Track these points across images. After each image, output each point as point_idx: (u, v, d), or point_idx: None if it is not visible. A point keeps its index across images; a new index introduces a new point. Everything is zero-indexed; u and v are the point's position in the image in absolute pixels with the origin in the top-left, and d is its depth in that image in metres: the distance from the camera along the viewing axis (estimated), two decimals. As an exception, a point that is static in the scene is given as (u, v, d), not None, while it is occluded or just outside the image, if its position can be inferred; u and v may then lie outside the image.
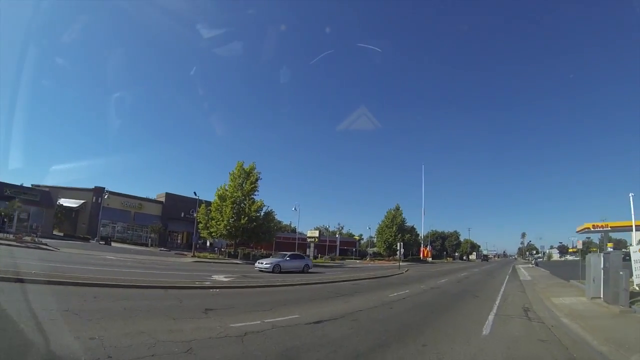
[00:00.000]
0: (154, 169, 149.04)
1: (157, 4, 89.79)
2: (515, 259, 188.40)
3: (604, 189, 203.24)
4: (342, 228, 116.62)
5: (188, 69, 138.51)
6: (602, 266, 13.97)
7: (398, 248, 48.12)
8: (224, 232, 45.18)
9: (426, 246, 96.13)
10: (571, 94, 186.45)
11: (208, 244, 62.27)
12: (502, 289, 21.43)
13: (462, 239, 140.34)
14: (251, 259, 47.51)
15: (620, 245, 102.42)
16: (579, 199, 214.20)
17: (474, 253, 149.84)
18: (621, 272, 12.02)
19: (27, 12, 46.42)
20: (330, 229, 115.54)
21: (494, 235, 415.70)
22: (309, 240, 64.66)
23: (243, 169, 47.99)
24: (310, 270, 30.89)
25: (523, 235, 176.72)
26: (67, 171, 78.30)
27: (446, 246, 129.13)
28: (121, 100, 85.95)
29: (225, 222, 44.46)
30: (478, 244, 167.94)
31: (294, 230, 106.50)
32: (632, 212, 31.42)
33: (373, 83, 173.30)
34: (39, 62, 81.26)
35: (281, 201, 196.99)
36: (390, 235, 73.34)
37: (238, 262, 43.32)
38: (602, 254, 14.56)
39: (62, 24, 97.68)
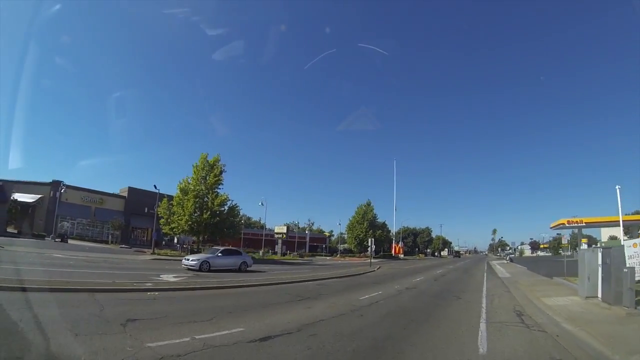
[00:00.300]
0: (120, 163, 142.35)
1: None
2: (486, 255, 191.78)
3: (576, 185, 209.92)
4: (313, 224, 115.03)
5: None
6: (599, 263, 12.60)
7: (369, 244, 46.63)
8: (186, 227, 42.49)
9: (398, 243, 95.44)
10: (546, 93, 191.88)
11: (175, 240, 59.14)
12: (485, 288, 19.92)
13: (433, 235, 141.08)
14: (215, 256, 45.22)
15: (591, 241, 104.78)
16: (549, 196, 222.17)
17: (446, 249, 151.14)
18: (625, 270, 10.62)
19: (28, 11, 44.26)
20: (301, 225, 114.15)
21: (464, 232, 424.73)
22: (276, 236, 62.56)
23: (207, 161, 45.40)
24: (249, 269, 26.59)
25: (494, 231, 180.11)
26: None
27: (418, 243, 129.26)
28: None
29: (186, 217, 41.79)
30: (449, 240, 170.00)
31: (262, 227, 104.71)
32: (620, 206, 30.66)
33: (356, 81, 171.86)
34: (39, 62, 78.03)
35: (252, 198, 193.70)
36: (361, 232, 71.98)
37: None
38: (599, 250, 13.20)
39: (64, 23, 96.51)
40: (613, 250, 12.11)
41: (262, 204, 59.12)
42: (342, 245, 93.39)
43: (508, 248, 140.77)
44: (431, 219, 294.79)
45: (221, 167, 45.16)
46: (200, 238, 46.47)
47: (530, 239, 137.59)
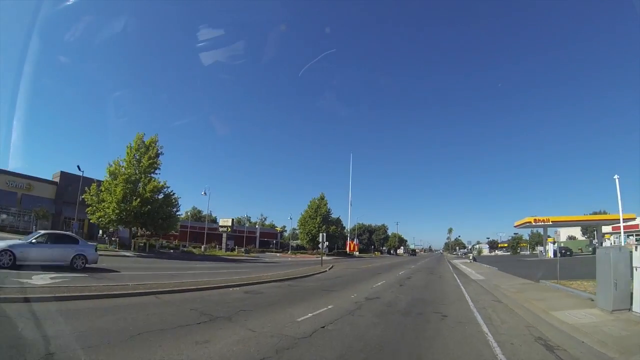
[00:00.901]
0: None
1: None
2: (442, 253, 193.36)
3: (534, 186, 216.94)
4: (265, 219, 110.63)
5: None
6: (636, 265, 9.42)
7: (321, 240, 42.92)
8: (113, 216, 36.79)
9: (353, 240, 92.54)
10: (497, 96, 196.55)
11: (101, 232, 52.30)
12: (468, 298, 15.43)
13: (390, 233, 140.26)
14: (148, 250, 39.85)
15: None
16: (507, 197, 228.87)
17: (402, 247, 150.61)
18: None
19: (29, 9, 43.65)
20: (253, 220, 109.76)
21: (420, 230, 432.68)
22: (221, 229, 57.54)
23: (142, 141, 39.82)
24: (91, 265, 18.10)
25: (449, 230, 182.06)
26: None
27: (374, 240, 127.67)
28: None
29: (114, 204, 36.11)
30: (405, 238, 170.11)
31: (214, 220, 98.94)
32: (619, 199, 28.58)
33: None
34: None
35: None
36: (314, 227, 68.04)
37: (128, 254, 35.56)
38: (633, 249, 9.72)
39: (64, 22, 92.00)
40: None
41: (204, 193, 53.64)
42: (295, 241, 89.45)
43: (469, 247, 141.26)
44: (387, 216, 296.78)
45: (158, 149, 39.76)
46: (137, 230, 40.99)
47: (487, 238, 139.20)
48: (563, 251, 50.06)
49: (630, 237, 65.64)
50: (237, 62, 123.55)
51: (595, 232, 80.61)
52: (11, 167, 45.69)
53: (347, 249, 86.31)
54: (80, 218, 55.00)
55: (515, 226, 57.64)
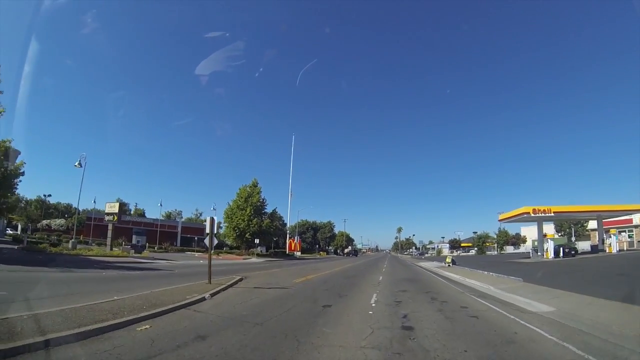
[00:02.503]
0: None
1: None
2: (388, 253, 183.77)
3: (489, 186, 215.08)
4: (201, 214, 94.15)
5: None
6: None
7: (248, 236, 27.76)
8: None
9: (293, 237, 77.85)
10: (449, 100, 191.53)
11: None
12: None
13: (336, 231, 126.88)
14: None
15: (516, 239, 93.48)
16: (458, 196, 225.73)
17: (349, 247, 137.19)
18: None
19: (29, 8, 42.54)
20: (187, 215, 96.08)
21: (366, 229, 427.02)
22: (106, 218, 40.59)
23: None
24: None
25: (399, 229, 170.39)
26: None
27: (319, 239, 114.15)
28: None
29: None
30: (353, 237, 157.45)
31: (142, 214, 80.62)
32: None
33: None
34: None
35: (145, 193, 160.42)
36: (242, 220, 52.63)
37: None
38: None
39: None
40: None
41: (78, 164, 36.32)
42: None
43: (421, 247, 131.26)
44: (334, 214, 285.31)
45: None
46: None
47: (442, 237, 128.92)
48: (567, 250, 38.84)
49: (623, 233, 57.00)
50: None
51: (571, 230, 72.03)
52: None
53: (288, 249, 71.56)
54: None
55: (501, 220, 45.83)
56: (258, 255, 54.52)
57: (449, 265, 33.34)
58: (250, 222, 50.79)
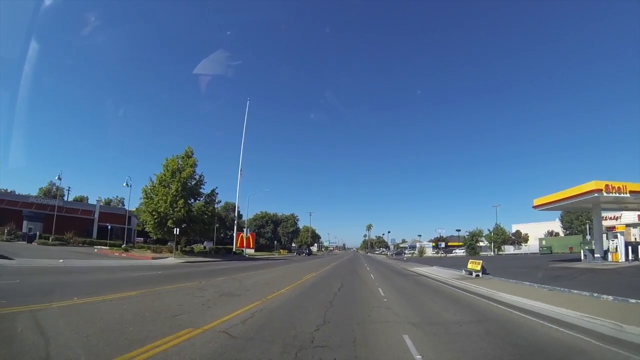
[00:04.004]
0: None
1: None
2: (356, 251, 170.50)
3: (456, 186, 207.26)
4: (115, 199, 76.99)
5: None
6: None
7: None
8: None
9: (242, 230, 62.25)
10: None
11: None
12: None
13: (301, 225, 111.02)
14: None
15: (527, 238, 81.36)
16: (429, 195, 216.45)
17: (316, 244, 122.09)
18: None
19: (29, 8, 41.20)
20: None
21: (334, 227, 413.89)
22: None
23: None
24: None
25: (369, 227, 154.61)
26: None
27: (280, 234, 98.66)
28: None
29: None
30: (319, 234, 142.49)
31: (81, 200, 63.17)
32: None
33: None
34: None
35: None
36: (164, 201, 36.38)
37: None
38: None
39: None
40: None
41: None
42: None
43: (393, 245, 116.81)
44: (298, 208, 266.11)
45: None
46: None
47: (419, 235, 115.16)
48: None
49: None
50: None
51: (586, 226, 60.32)
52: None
53: (236, 245, 56.02)
54: None
55: (539, 205, 31.94)
56: (185, 252, 39.33)
57: (476, 276, 19.71)
58: (174, 205, 35.58)
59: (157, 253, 35.94)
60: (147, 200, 37.43)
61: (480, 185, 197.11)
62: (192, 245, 45.57)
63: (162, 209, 35.59)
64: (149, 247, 41.37)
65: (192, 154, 40.37)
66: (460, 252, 78.03)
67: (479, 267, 20.89)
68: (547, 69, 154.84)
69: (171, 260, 30.81)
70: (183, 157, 39.74)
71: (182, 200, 36.18)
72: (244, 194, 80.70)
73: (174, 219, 35.57)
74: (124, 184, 40.62)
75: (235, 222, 54.26)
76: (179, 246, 39.76)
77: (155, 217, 36.10)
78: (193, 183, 40.15)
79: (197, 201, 39.68)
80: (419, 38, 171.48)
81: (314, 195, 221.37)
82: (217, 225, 68.11)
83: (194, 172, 39.88)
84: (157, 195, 36.76)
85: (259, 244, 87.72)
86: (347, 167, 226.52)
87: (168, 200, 35.72)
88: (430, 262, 40.80)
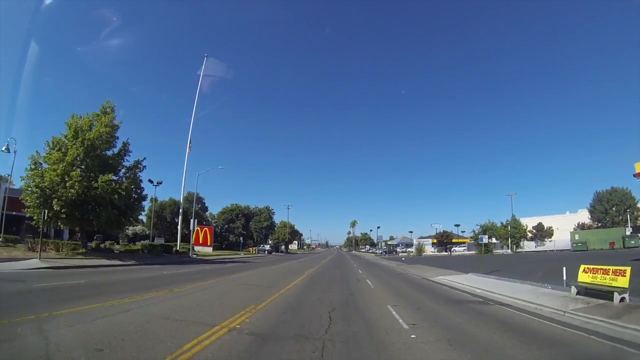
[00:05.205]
0: None
1: None
2: (340, 249, 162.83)
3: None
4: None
5: None
6: None
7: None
8: None
9: (203, 224, 50.15)
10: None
11: None
12: None
13: (277, 221, 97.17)
14: None
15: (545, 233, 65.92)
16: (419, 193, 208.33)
17: (296, 242, 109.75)
18: None
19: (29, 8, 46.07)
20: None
21: (316, 224, 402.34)
22: None
23: None
24: None
25: (353, 223, 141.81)
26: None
27: (252, 229, 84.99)
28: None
29: None
30: (300, 231, 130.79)
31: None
32: None
33: None
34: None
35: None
36: (53, 172, 24.24)
37: None
38: None
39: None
40: None
41: None
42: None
43: (381, 243, 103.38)
44: (277, 202, 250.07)
45: None
46: None
47: (410, 232, 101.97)
48: None
49: None
50: None
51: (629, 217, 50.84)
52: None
53: (179, 243, 42.87)
54: None
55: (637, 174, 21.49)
56: (94, 251, 27.35)
57: (621, 301, 8.82)
58: (65, 178, 23.85)
59: (32, 252, 23.47)
60: (33, 172, 25.18)
61: (479, 179, 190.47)
62: (109, 241, 33.66)
63: (46, 183, 23.57)
64: (53, 242, 28.62)
65: (112, 111, 28.31)
66: (460, 249, 67.84)
67: (623, 283, 9.70)
68: (541, 65, 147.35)
69: (27, 263, 18.49)
70: (97, 115, 27.63)
71: (79, 171, 24.23)
72: (211, 185, 68.55)
73: (63, 197, 23.57)
74: (3, 148, 27.82)
75: (181, 210, 41.18)
76: (70, 242, 27.72)
77: (37, 195, 24.06)
78: (110, 153, 28.28)
79: (107, 169, 27.11)
80: (398, 38, 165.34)
81: (294, 191, 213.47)
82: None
83: (112, 136, 27.96)
84: (51, 166, 24.72)
85: (229, 241, 75.70)
86: (331, 164, 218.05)
87: (58, 171, 23.73)
88: (444, 264, 30.93)
